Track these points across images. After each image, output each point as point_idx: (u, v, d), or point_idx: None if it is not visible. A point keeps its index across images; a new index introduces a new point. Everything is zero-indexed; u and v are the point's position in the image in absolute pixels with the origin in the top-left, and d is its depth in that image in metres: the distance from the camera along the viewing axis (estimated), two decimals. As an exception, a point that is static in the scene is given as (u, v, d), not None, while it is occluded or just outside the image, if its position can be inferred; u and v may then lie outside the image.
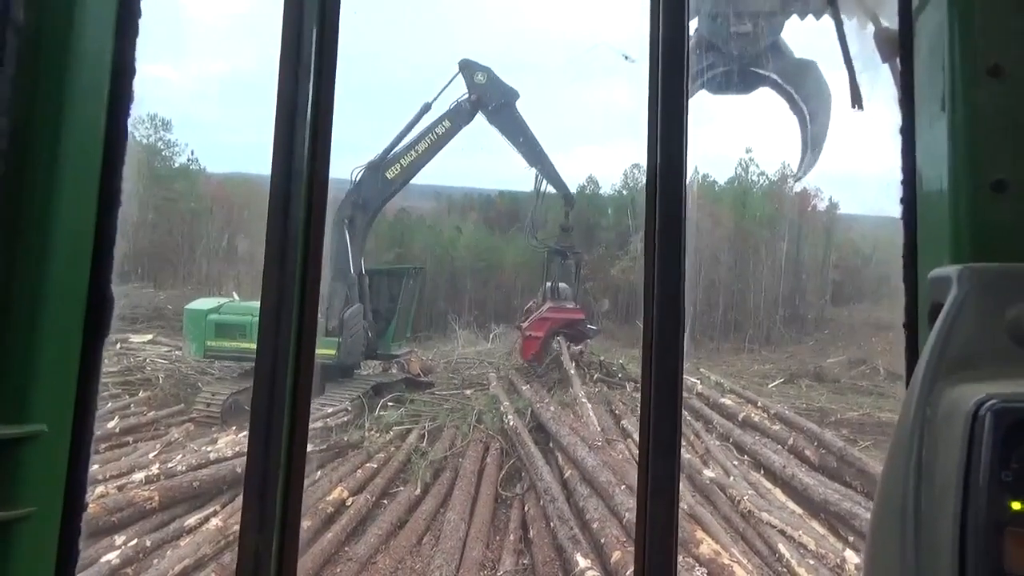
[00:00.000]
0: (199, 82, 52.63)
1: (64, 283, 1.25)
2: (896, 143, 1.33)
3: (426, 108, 18.83)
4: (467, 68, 18.80)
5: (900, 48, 1.33)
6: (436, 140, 18.76)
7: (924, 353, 1.04)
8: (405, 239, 40.03)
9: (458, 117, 18.80)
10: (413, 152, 18.70)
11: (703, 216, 33.85)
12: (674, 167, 1.71)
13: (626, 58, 21.26)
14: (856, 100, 1.53)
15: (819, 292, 37.39)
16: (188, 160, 39.75)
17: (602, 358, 21.49)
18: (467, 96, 18.80)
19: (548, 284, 21.87)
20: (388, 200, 20.14)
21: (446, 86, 18.89)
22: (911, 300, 1.27)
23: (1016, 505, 0.87)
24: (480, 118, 19.04)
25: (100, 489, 10.87)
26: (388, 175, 18.70)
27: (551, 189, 20.58)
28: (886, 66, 1.39)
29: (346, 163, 18.55)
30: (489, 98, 18.74)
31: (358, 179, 18.68)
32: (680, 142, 1.71)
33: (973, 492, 0.88)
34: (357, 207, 18.54)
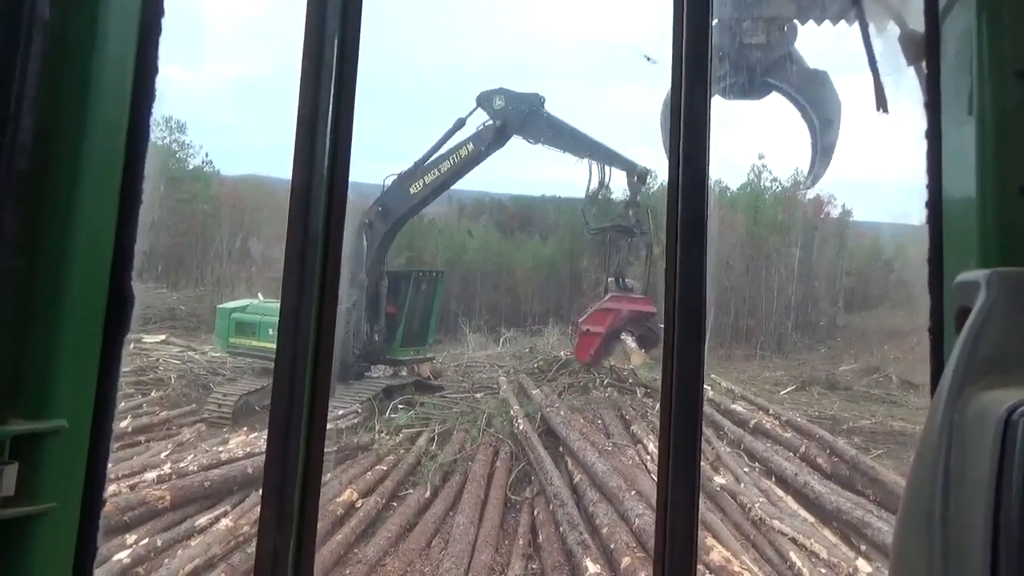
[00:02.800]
0: (214, 85, 52.92)
1: (85, 281, 1.26)
2: (920, 147, 1.32)
3: (460, 123, 18.48)
4: (484, 99, 18.36)
5: (926, 50, 1.32)
6: (459, 162, 18.47)
7: (952, 358, 1.03)
8: (416, 243, 40.04)
9: (482, 142, 18.39)
10: (436, 171, 18.50)
11: (715, 222, 33.68)
12: (697, 171, 1.69)
13: (648, 59, 20.62)
14: (881, 103, 1.51)
15: (832, 299, 37.12)
16: (202, 162, 40.00)
17: (612, 363, 21.41)
18: (492, 122, 18.37)
19: (612, 274, 19.18)
20: (411, 214, 19.94)
21: (472, 112, 18.55)
22: (936, 304, 1.26)
23: None
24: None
25: (112, 488, 10.94)
26: (411, 190, 18.58)
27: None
28: (911, 69, 1.37)
29: (364, 167, 18.49)
30: (514, 118, 18.20)
31: (386, 187, 18.65)
32: (703, 146, 1.69)
33: (1006, 500, 0.86)
34: (379, 215, 18.53)
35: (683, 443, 1.69)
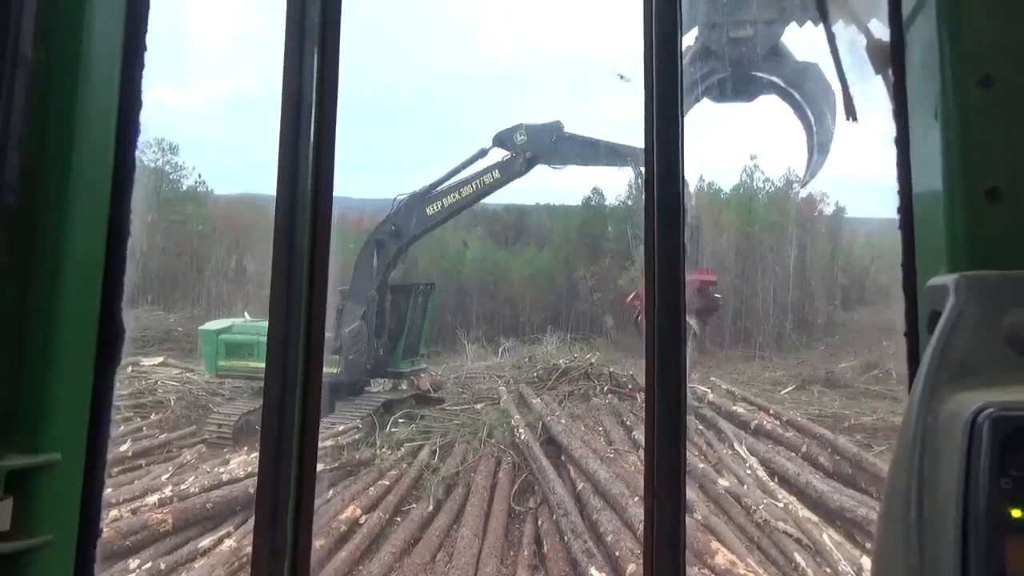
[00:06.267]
0: (204, 105, 52.97)
1: (75, 314, 1.27)
2: (892, 152, 1.35)
3: (482, 153, 18.50)
4: (503, 139, 18.32)
5: (892, 59, 1.35)
6: (482, 188, 18.56)
7: (924, 361, 1.05)
8: (412, 254, 40.05)
9: (509, 171, 18.43)
10: (457, 194, 18.58)
11: (708, 224, 33.79)
12: (671, 178, 1.72)
13: (621, 77, 20.70)
14: (850, 112, 1.54)
15: (828, 297, 37.21)
16: (195, 183, 40.07)
17: (612, 369, 21.41)
18: (520, 155, 18.35)
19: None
20: (424, 234, 19.99)
21: (488, 150, 18.54)
22: (911, 308, 1.28)
23: (1016, 512, 0.88)
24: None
25: (114, 513, 10.90)
26: (428, 211, 18.64)
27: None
28: (879, 77, 1.40)
29: (351, 180, 18.47)
30: (540, 148, 18.21)
31: (398, 206, 18.68)
32: (676, 154, 1.72)
33: (973, 500, 0.89)
34: (390, 234, 18.59)
35: (667, 435, 1.70)
